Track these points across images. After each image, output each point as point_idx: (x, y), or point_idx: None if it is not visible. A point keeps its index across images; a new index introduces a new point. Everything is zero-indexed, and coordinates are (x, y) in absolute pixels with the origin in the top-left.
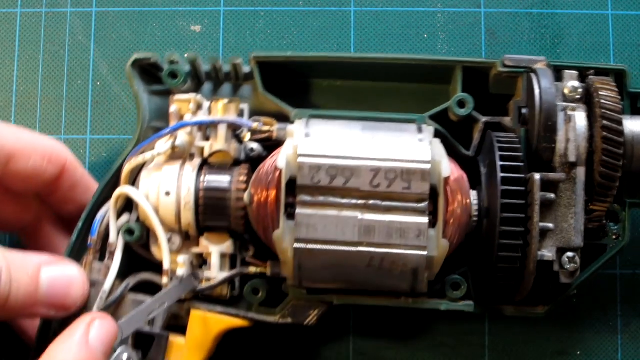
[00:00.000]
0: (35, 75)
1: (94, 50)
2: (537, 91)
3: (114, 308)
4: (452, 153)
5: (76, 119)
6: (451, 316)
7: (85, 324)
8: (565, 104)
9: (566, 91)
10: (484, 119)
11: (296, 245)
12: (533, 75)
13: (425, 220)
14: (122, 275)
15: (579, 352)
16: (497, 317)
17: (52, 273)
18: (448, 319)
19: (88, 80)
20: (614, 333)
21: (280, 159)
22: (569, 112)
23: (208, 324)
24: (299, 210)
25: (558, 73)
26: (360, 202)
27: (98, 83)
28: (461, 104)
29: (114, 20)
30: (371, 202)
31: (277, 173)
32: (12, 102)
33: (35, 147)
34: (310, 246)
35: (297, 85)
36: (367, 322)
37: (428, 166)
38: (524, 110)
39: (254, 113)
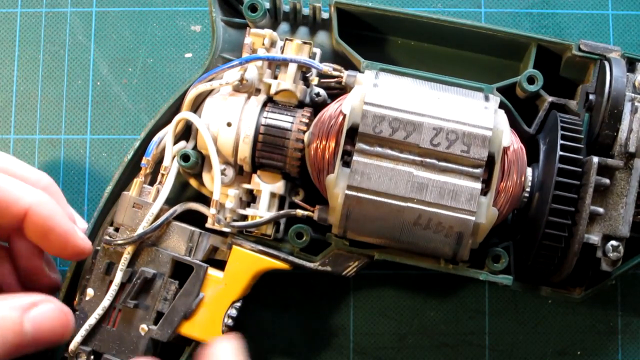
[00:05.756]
0: (35, 75)
1: (94, 50)
2: (607, 78)
3: (157, 232)
4: (513, 128)
5: (76, 119)
6: (452, 316)
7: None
8: (633, 94)
9: (637, 83)
10: (550, 98)
11: (347, 192)
12: (606, 63)
13: (478, 186)
14: (170, 204)
15: (579, 352)
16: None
17: (35, 315)
18: (448, 319)
19: (88, 80)
20: (614, 333)
21: (346, 104)
22: (636, 104)
23: (248, 261)
24: (355, 158)
25: (631, 65)
26: (418, 158)
27: (98, 83)
28: (531, 79)
29: (114, 20)
30: (428, 160)
31: (340, 118)
32: (12, 102)
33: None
34: (361, 195)
35: (370, 40)
36: (368, 321)
37: (489, 133)
38: (591, 96)
39: (325, 61)
